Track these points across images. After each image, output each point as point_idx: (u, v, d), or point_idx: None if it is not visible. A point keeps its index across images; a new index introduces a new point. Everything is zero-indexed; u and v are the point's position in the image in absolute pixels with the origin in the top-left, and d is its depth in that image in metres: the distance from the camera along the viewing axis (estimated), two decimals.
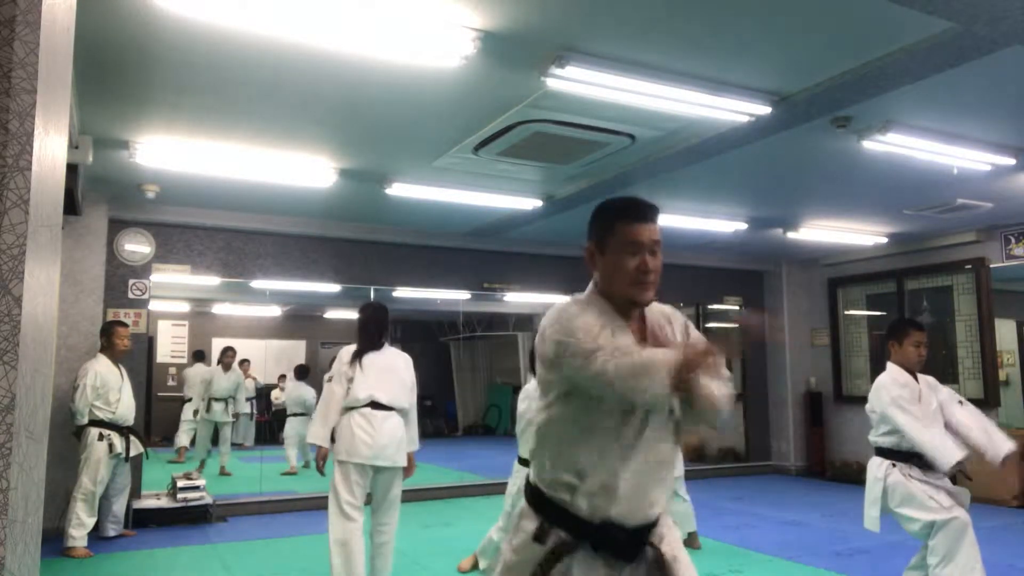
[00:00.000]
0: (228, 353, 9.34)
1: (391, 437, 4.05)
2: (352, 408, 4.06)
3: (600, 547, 1.81)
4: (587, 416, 1.83)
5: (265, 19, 3.21)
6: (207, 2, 3.06)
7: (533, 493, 1.92)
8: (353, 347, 4.22)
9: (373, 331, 4.22)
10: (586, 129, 4.76)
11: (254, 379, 10.53)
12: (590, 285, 1.98)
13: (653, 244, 1.88)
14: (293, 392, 9.94)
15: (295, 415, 9.63)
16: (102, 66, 3.83)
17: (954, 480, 3.80)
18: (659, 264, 1.89)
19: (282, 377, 11.38)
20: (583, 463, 1.82)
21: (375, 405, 4.05)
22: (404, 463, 4.15)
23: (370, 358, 4.16)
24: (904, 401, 3.68)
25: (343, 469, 4.03)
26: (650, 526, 1.87)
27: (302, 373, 10.06)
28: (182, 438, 9.91)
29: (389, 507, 4.16)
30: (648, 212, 1.92)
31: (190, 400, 9.82)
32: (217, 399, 9.04)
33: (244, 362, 10.15)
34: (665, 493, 1.91)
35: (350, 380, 4.09)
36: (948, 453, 3.59)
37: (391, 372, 4.18)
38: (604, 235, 1.93)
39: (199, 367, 10.12)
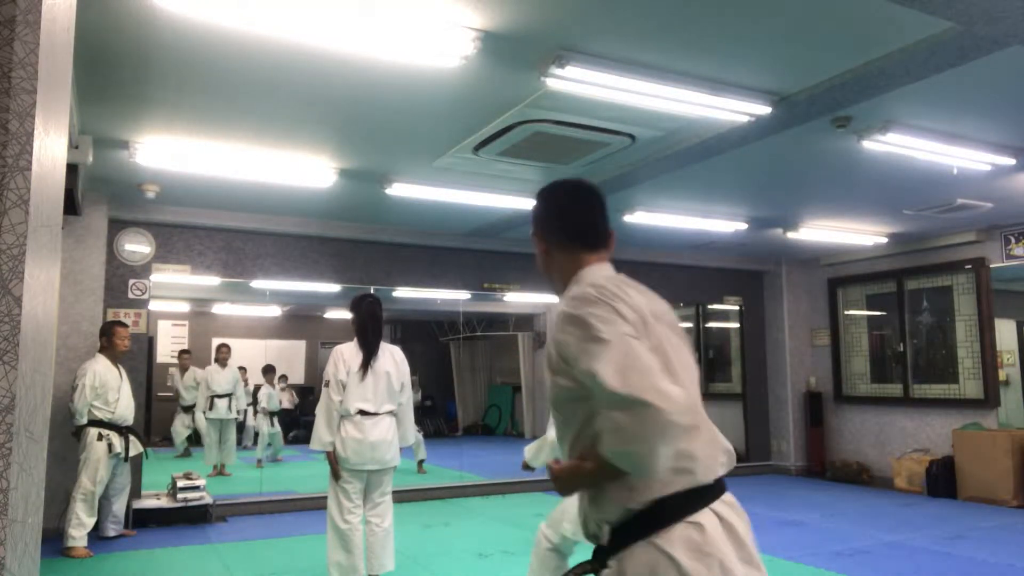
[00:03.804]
0: (222, 349, 9.29)
1: (381, 440, 4.20)
2: (343, 417, 4.21)
3: None
4: None
5: (265, 19, 3.21)
6: (207, 2, 3.06)
7: None
8: (346, 347, 4.30)
9: (371, 337, 4.28)
10: (586, 129, 4.76)
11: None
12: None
13: None
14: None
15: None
16: (102, 66, 3.83)
17: None
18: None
19: (283, 378, 11.35)
20: None
21: (363, 413, 4.21)
22: (396, 463, 4.30)
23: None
24: None
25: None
26: None
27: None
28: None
29: (381, 500, 4.34)
30: None
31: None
32: (219, 395, 9.01)
33: (241, 369, 10.11)
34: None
35: (345, 386, 4.21)
36: None
37: (382, 377, 4.27)
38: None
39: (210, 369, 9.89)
